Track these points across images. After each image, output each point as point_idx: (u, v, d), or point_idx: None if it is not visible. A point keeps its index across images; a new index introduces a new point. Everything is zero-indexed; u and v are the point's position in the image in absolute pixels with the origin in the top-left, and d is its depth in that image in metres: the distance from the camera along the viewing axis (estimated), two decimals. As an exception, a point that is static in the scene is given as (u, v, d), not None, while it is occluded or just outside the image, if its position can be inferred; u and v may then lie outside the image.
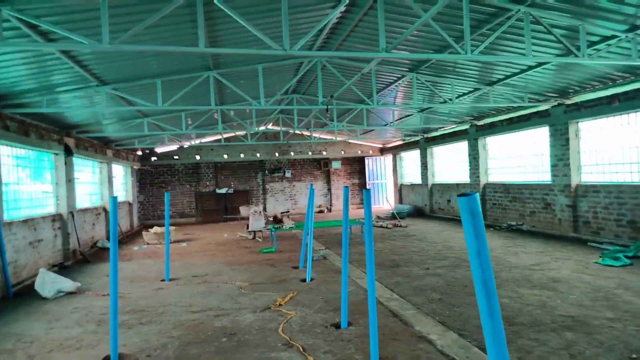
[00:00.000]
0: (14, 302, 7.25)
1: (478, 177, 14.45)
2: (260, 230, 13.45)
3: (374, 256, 4.08)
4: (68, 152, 11.02)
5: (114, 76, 7.81)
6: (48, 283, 7.47)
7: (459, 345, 4.57)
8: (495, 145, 14.19)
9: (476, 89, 10.70)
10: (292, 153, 22.23)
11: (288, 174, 22.38)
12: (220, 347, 4.84)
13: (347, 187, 5.19)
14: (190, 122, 12.50)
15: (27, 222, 8.95)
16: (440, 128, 16.48)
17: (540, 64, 8.45)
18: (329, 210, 22.84)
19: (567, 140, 10.65)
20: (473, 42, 6.59)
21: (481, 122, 14.25)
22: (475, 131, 14.51)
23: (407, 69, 9.84)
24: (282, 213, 21.07)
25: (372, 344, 4.10)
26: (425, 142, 18.15)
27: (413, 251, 10.25)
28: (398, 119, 15.47)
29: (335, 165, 22.82)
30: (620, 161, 9.60)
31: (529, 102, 10.80)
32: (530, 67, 8.75)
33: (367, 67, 7.22)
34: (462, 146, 15.73)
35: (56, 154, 10.79)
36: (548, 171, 11.51)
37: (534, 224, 12.20)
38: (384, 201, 23.38)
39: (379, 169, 23.50)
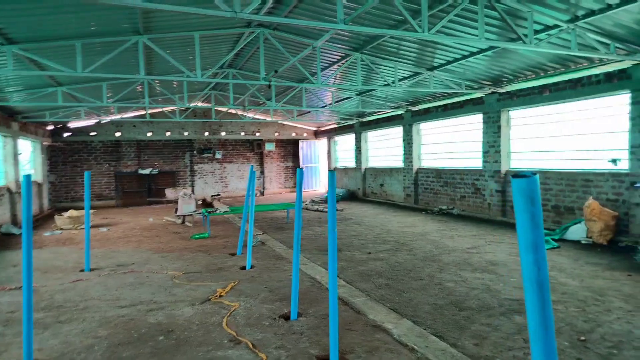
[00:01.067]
0: None
1: (411, 162, 14.72)
2: (191, 215, 12.66)
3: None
4: (-39, 123, 9.43)
5: (23, 34, 6.65)
6: (-63, 277, 6.30)
7: (415, 334, 4.43)
8: (429, 131, 14.49)
9: (417, 73, 10.72)
10: (223, 133, 21.24)
11: (219, 155, 21.39)
12: (157, 347, 4.29)
13: (301, 169, 4.80)
14: (110, 95, 11.24)
15: None
16: (375, 112, 16.53)
17: (481, 51, 8.57)
18: (262, 193, 22.27)
19: (499, 127, 11.08)
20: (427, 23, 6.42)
21: (416, 108, 14.46)
22: (410, 116, 14.71)
23: (351, 48, 9.55)
24: (212, 196, 20.20)
25: (331, 336, 3.80)
26: (360, 126, 18.17)
27: (353, 235, 10.14)
28: (337, 101, 15.24)
29: (269, 147, 22.21)
30: (547, 149, 10.14)
31: (466, 89, 11.05)
32: (472, 54, 8.86)
33: (320, 41, 6.80)
34: (397, 131, 15.93)
35: (-54, 125, 9.19)
36: (479, 157, 11.94)
37: (464, 208, 12.67)
38: (317, 185, 23.30)
39: (313, 152, 23.29)
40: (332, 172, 3.85)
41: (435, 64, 10.01)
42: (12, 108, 12.50)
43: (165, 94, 12.05)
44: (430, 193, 14.02)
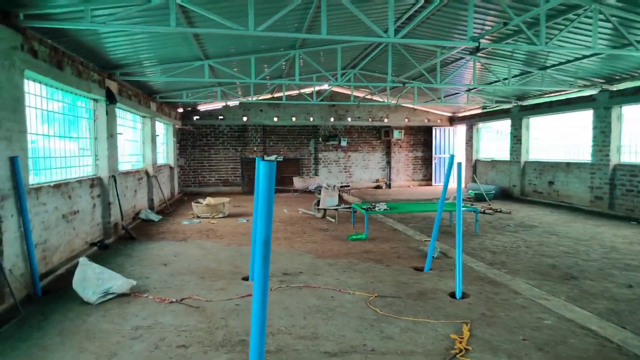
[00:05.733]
0: (43, 307, 4.95)
1: (607, 155, 11.54)
2: (336, 209, 10.98)
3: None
4: (110, 99, 8.57)
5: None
6: (91, 280, 5.13)
7: None
8: (635, 117, 11.19)
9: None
10: (349, 119, 19.50)
11: (344, 143, 19.69)
12: None
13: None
14: (266, 67, 9.80)
15: (60, 187, 6.59)
16: (549, 93, 13.45)
17: None
18: (388, 185, 20.21)
19: None
20: None
21: (616, 88, 11.24)
22: (607, 98, 11.50)
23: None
24: (341, 187, 18.58)
25: None
26: (520, 110, 15.16)
27: (565, 252, 7.60)
28: (513, 76, 12.06)
29: (397, 135, 20.03)
30: None
31: None
32: None
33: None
34: (582, 116, 12.78)
35: (96, 101, 8.37)
36: None
37: (698, 220, 9.37)
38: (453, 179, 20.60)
39: (446, 142, 20.61)
40: None
41: None
42: (151, 86, 11.78)
43: (321, 71, 10.26)
44: (636, 197, 10.81)
